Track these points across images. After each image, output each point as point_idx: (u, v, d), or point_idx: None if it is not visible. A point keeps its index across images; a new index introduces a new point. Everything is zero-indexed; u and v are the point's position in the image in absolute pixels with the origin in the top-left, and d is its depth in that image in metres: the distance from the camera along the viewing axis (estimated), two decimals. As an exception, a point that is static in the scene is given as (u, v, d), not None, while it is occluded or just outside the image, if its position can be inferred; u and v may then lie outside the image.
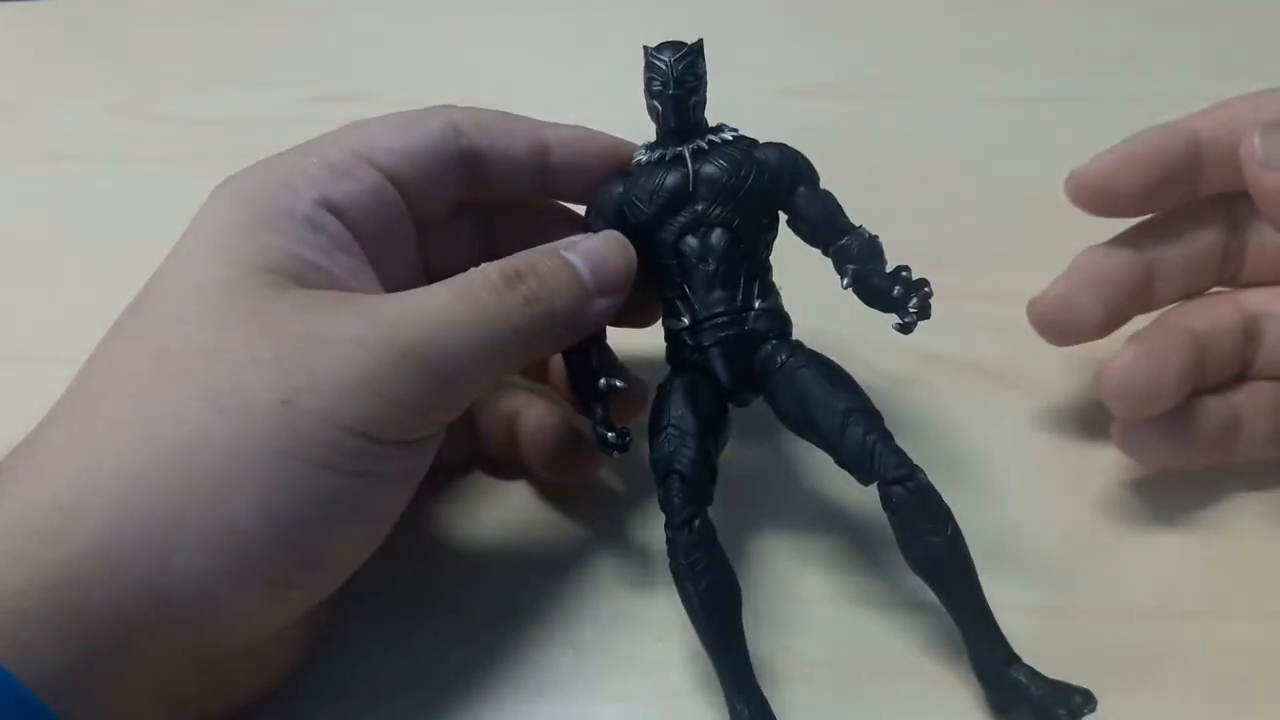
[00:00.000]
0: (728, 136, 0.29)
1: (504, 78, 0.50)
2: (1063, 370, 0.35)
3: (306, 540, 0.24)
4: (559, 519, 0.32)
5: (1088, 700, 0.25)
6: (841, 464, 0.27)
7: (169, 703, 0.24)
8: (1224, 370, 0.31)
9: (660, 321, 0.30)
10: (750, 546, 0.27)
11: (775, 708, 0.26)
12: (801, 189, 0.29)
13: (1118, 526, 0.31)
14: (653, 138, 0.30)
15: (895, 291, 0.27)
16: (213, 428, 0.23)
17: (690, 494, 0.27)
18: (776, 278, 0.30)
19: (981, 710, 0.27)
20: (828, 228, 0.29)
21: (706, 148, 0.29)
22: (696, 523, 0.26)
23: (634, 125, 0.31)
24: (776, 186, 0.29)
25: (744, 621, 0.27)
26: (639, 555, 0.31)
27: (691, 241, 0.29)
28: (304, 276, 0.25)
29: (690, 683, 0.28)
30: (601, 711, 0.28)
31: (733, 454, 0.28)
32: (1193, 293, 0.32)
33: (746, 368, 0.28)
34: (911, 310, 0.27)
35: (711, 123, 0.30)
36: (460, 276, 0.26)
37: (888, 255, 0.28)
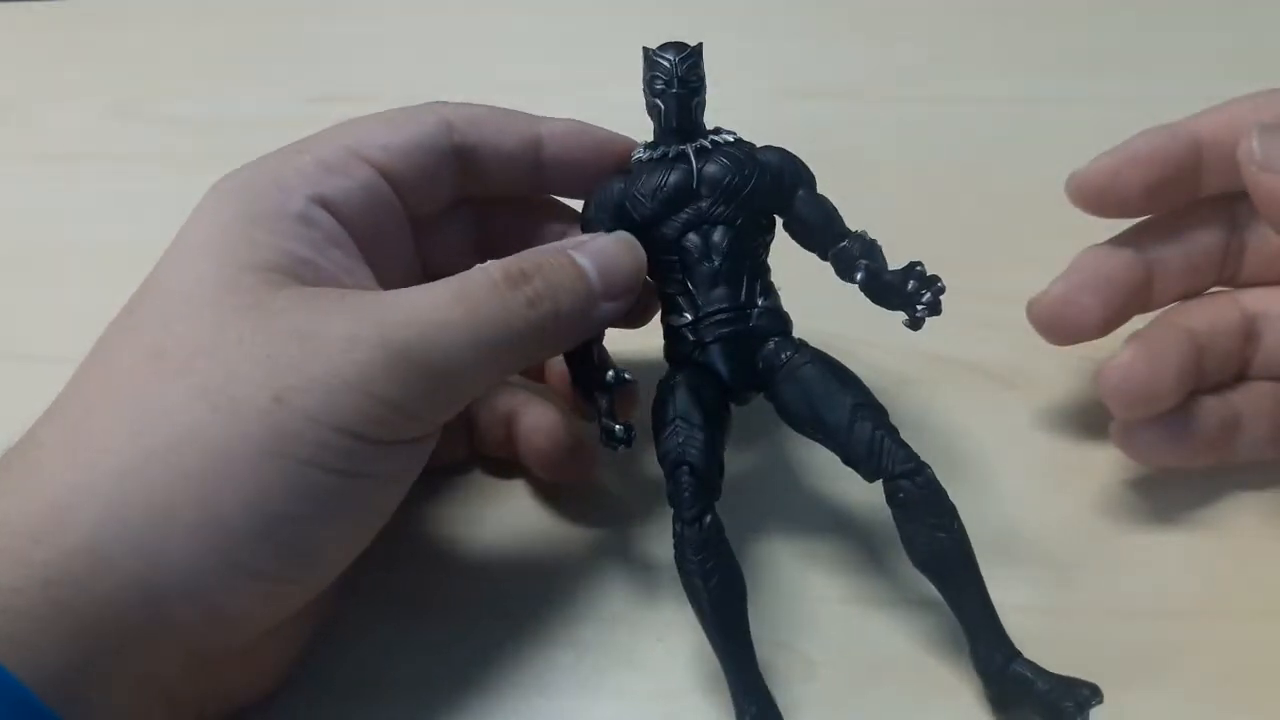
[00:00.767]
0: (729, 138, 0.30)
1: (503, 78, 0.50)
2: (1062, 370, 0.35)
3: (297, 537, 0.24)
4: (558, 518, 0.32)
5: (1095, 693, 0.25)
6: (847, 460, 0.27)
7: (166, 701, 0.24)
8: (1223, 370, 0.31)
9: (650, 322, 0.30)
10: (750, 546, 0.27)
11: (776, 707, 0.26)
12: (801, 192, 0.29)
13: (1117, 526, 0.31)
14: (649, 138, 0.30)
15: (910, 285, 0.27)
16: (203, 425, 0.23)
17: (700, 488, 0.26)
18: (776, 278, 0.30)
19: (983, 708, 0.27)
20: (827, 231, 0.29)
21: (710, 147, 0.29)
22: (708, 519, 0.26)
23: (633, 126, 0.31)
24: (778, 188, 0.29)
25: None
26: (639, 554, 0.31)
27: (694, 238, 0.29)
28: (298, 273, 0.25)
29: (690, 682, 0.28)
30: (601, 710, 0.28)
31: (732, 453, 0.28)
32: (1192, 293, 0.32)
33: (749, 365, 0.28)
34: (925, 304, 0.27)
35: (707, 126, 0.30)
36: (462, 275, 0.26)
37: (887, 256, 0.28)
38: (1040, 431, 0.34)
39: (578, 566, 0.31)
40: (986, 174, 0.43)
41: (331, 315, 0.24)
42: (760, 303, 0.29)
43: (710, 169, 0.29)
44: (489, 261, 0.26)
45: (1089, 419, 0.34)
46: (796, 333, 0.30)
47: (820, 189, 0.30)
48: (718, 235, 0.29)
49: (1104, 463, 0.32)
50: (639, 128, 0.31)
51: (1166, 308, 0.32)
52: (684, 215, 0.29)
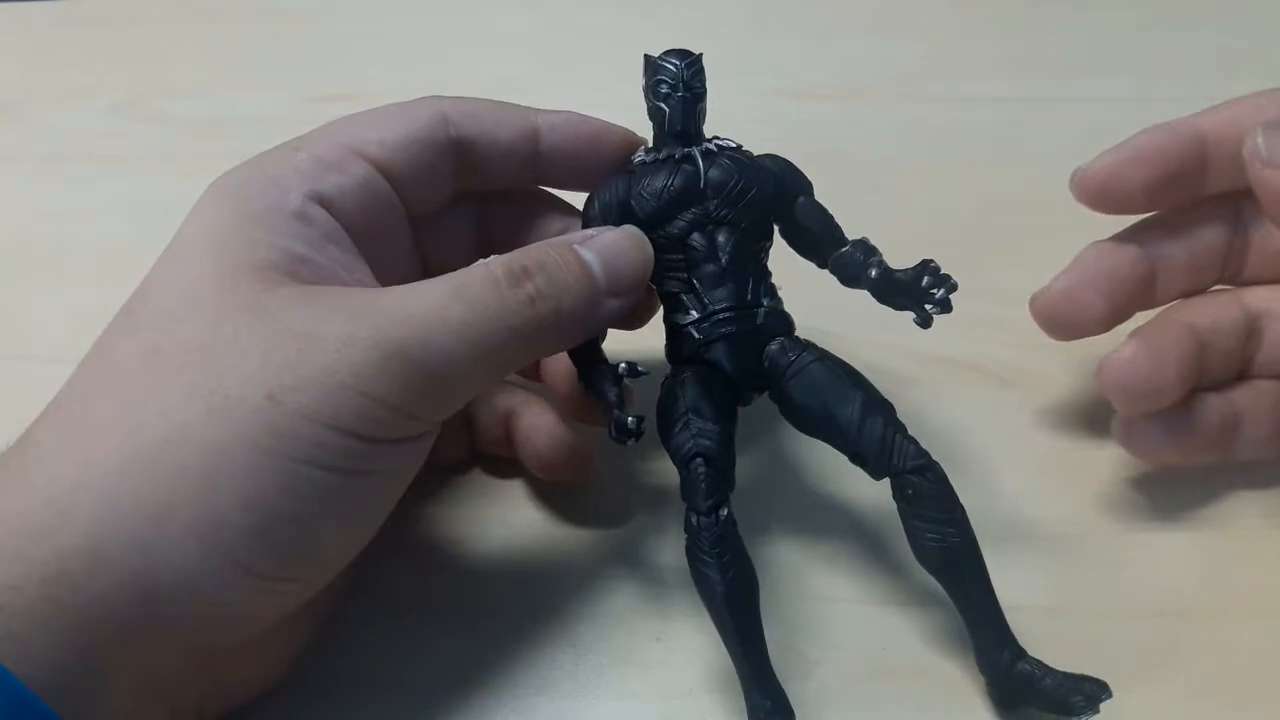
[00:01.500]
0: (731, 144, 0.30)
1: (503, 78, 0.50)
2: (1062, 370, 0.35)
3: (293, 535, 0.23)
4: (558, 518, 0.32)
5: (1103, 688, 0.25)
6: (856, 457, 0.27)
7: (165, 699, 0.24)
8: (1225, 368, 0.31)
9: (647, 325, 0.30)
10: (751, 545, 0.27)
11: (776, 706, 0.26)
12: (801, 199, 0.30)
13: (1118, 525, 0.31)
14: (647, 137, 0.30)
15: (924, 281, 0.27)
16: (198, 424, 0.23)
17: (716, 479, 0.26)
18: (776, 278, 0.30)
19: (984, 707, 0.27)
20: (827, 238, 0.29)
21: (716, 150, 0.29)
22: (723, 511, 0.26)
23: (632, 127, 0.31)
24: (781, 194, 0.29)
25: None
26: (638, 554, 0.31)
27: (699, 238, 0.29)
28: (294, 271, 0.25)
29: (690, 681, 0.28)
30: (601, 709, 0.28)
31: (733, 453, 0.28)
32: (1195, 290, 0.32)
33: (754, 364, 0.28)
34: (937, 301, 0.27)
35: (706, 133, 0.30)
36: (462, 271, 0.26)
37: (886, 257, 0.28)
38: (1040, 431, 0.34)
39: (577, 566, 0.31)
40: (986, 174, 0.43)
41: (328, 313, 0.24)
42: (765, 302, 0.29)
43: (715, 172, 0.29)
44: (492, 257, 0.26)
45: (1089, 418, 0.34)
46: (796, 333, 0.30)
47: (820, 189, 0.30)
48: (722, 236, 0.29)
49: (1104, 462, 0.32)
50: (638, 130, 0.31)
51: (1169, 305, 0.32)
52: (689, 215, 0.29)
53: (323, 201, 0.27)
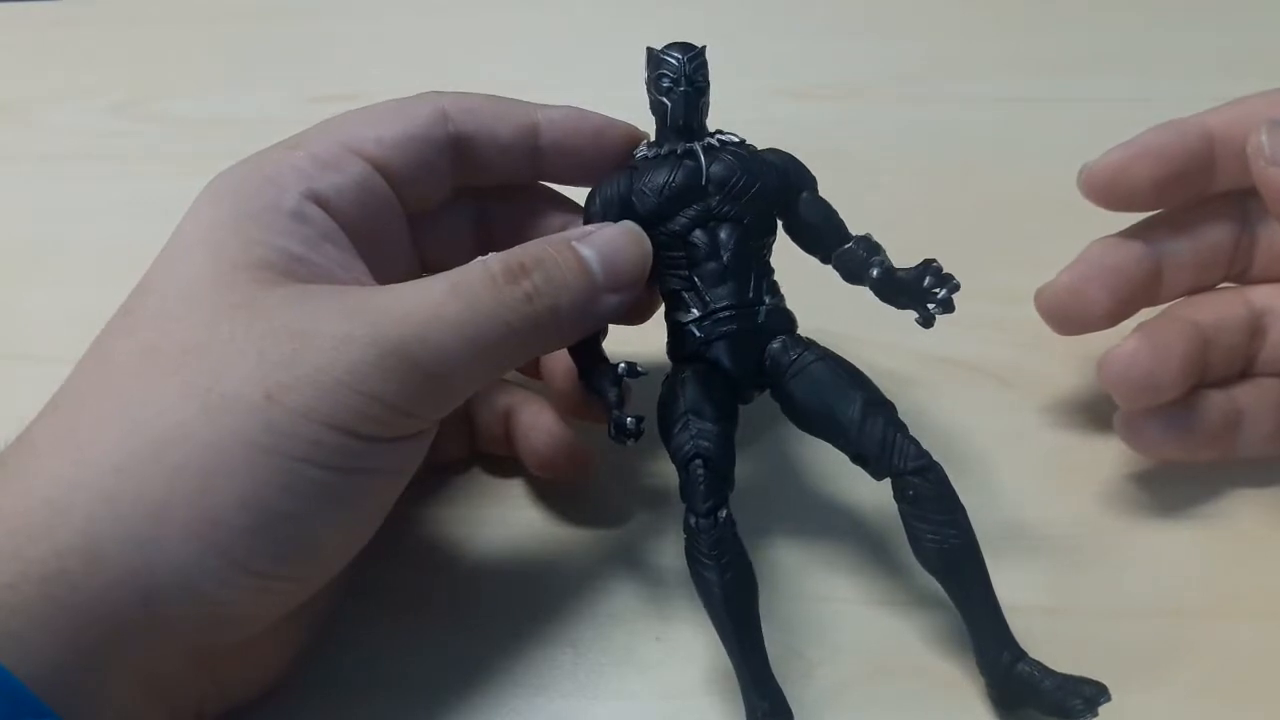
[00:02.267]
0: (734, 139, 0.30)
1: (503, 78, 0.49)
2: (1063, 370, 0.35)
3: (291, 534, 0.23)
4: (557, 518, 0.32)
5: (1103, 691, 0.25)
6: (857, 456, 0.27)
7: (164, 698, 0.24)
8: (1228, 365, 0.31)
9: (647, 321, 0.30)
10: (751, 546, 0.27)
11: (775, 707, 0.26)
12: (805, 195, 0.30)
13: (1118, 525, 0.31)
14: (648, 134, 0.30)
15: (927, 281, 0.27)
16: (195, 422, 0.23)
17: (715, 481, 0.26)
18: (776, 278, 0.30)
19: (984, 707, 0.27)
20: (831, 234, 0.29)
21: (718, 145, 0.29)
22: (723, 513, 0.26)
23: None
24: (784, 189, 0.29)
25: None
26: (638, 554, 0.31)
27: (700, 235, 0.29)
28: (291, 270, 0.25)
29: (689, 681, 0.28)
30: (600, 709, 0.28)
31: (732, 453, 0.28)
32: (1201, 288, 0.32)
33: (755, 362, 0.28)
34: (939, 301, 0.27)
35: (709, 128, 0.30)
36: (460, 269, 0.26)
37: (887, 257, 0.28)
38: (1041, 431, 0.34)
39: (577, 566, 0.31)
40: (986, 174, 0.43)
41: (324, 312, 0.24)
42: (767, 300, 0.29)
43: (718, 168, 0.29)
44: (490, 254, 0.26)
45: (1090, 418, 0.34)
46: (798, 331, 0.29)
47: (820, 190, 0.30)
48: (724, 233, 0.29)
49: (1105, 462, 0.32)
50: (639, 125, 0.31)
51: (1174, 301, 0.32)
52: (691, 211, 0.29)
53: (319, 201, 0.27)
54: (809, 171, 0.30)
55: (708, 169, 0.29)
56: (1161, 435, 0.30)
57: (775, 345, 0.28)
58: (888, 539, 0.31)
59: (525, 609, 0.30)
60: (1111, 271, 0.30)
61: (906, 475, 0.26)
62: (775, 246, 0.30)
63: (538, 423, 0.31)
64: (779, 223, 0.30)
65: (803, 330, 0.29)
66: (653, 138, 0.30)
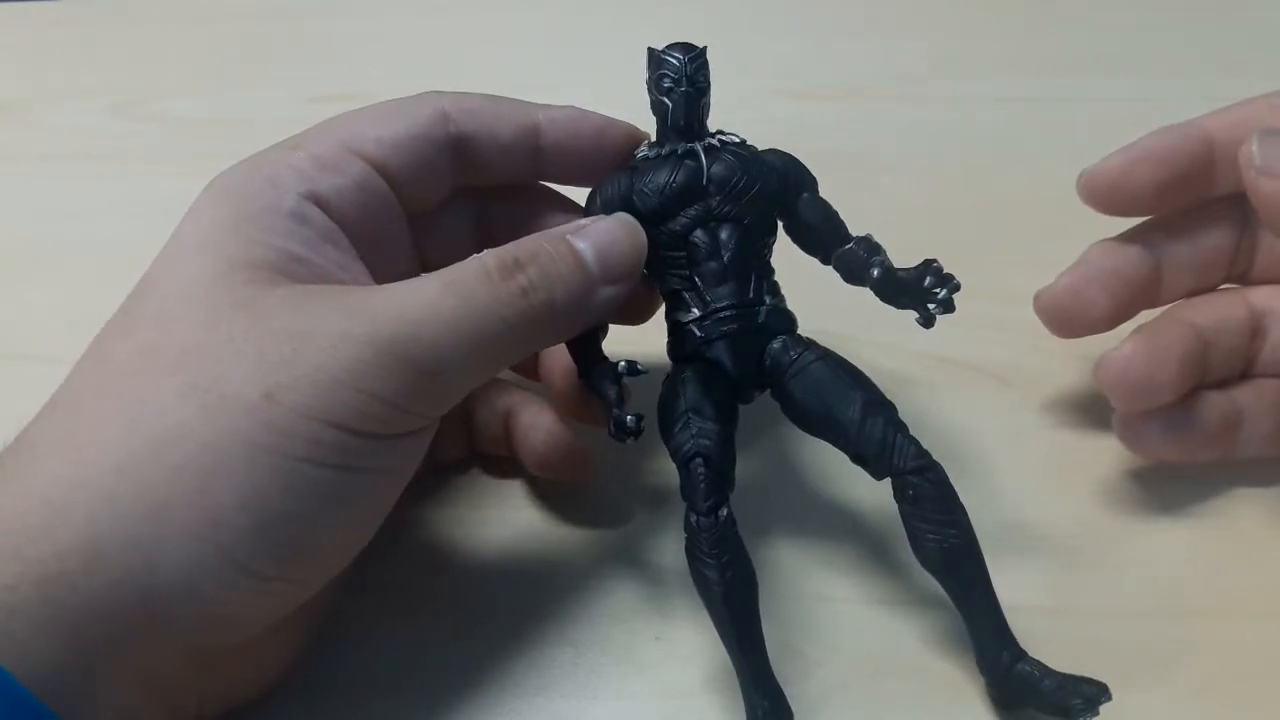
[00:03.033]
0: (735, 139, 0.30)
1: (503, 78, 0.49)
2: (1062, 370, 0.35)
3: (292, 533, 0.23)
4: (557, 518, 0.32)
5: (1103, 690, 0.25)
6: (856, 457, 0.27)
7: (164, 699, 0.24)
8: (1228, 366, 0.31)
9: (646, 320, 0.30)
10: (751, 545, 0.27)
11: (775, 707, 0.26)
12: (805, 195, 0.30)
13: (1118, 525, 0.31)
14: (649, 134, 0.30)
15: (927, 281, 0.27)
16: (194, 422, 0.23)
17: (715, 480, 0.26)
18: (776, 278, 0.30)
19: (984, 707, 0.27)
20: (831, 234, 0.29)
21: (719, 146, 0.29)
22: (723, 512, 0.26)
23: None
24: (784, 190, 0.29)
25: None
26: (637, 554, 0.31)
27: (701, 235, 0.29)
28: (290, 270, 0.25)
29: (689, 680, 0.28)
30: (600, 709, 0.28)
31: (732, 453, 0.28)
32: (1201, 290, 0.32)
33: (756, 361, 0.28)
34: (940, 301, 0.27)
35: (710, 128, 0.30)
36: (455, 266, 0.26)
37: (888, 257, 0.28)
38: (1041, 431, 0.34)
39: (576, 566, 0.31)
40: (987, 174, 0.43)
41: (322, 311, 0.24)
42: (767, 300, 0.29)
43: (719, 168, 0.29)
44: (485, 251, 0.26)
45: (1090, 419, 0.34)
46: (798, 331, 0.29)
47: (820, 190, 0.30)
48: (725, 233, 0.29)
49: (1105, 463, 0.32)
50: (640, 125, 0.31)
51: (1173, 303, 0.32)
52: (692, 211, 0.29)
53: (319, 202, 0.27)
54: (809, 172, 0.30)
55: (709, 169, 0.29)
56: (1160, 437, 0.30)
57: (775, 345, 0.28)
58: (888, 539, 0.31)
59: (525, 609, 0.30)
60: (1111, 274, 0.30)
61: (906, 475, 0.26)
62: (775, 247, 0.30)
63: (537, 423, 0.31)
64: (779, 223, 0.30)
65: (803, 330, 0.29)
66: (653, 138, 0.30)
